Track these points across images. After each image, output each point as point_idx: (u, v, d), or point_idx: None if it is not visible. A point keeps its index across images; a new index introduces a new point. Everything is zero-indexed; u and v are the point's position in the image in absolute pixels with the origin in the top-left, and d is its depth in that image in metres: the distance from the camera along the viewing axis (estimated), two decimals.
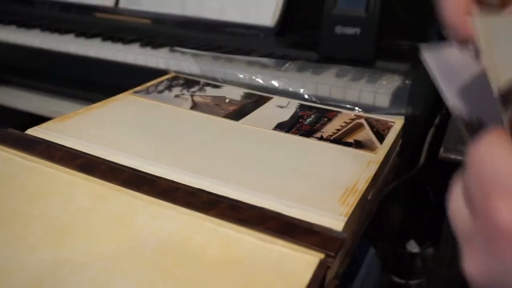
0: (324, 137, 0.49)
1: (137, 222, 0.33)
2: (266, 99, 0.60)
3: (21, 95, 0.91)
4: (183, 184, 0.37)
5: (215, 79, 0.67)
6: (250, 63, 0.69)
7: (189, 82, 0.64)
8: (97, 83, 0.82)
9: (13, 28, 0.92)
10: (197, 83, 0.65)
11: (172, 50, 0.77)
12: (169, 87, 0.62)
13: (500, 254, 0.17)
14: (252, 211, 0.34)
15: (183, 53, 0.74)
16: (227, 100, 0.59)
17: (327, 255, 0.30)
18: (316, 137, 0.49)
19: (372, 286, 0.50)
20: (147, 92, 0.59)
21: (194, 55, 0.71)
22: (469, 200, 0.18)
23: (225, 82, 0.66)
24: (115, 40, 0.83)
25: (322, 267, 0.29)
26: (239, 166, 0.41)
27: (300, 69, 0.69)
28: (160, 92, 0.60)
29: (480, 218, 0.18)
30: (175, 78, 0.66)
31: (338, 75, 0.68)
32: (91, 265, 0.29)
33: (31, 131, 0.46)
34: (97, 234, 0.32)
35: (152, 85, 0.62)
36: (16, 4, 1.07)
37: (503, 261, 0.17)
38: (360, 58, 0.75)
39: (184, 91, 0.61)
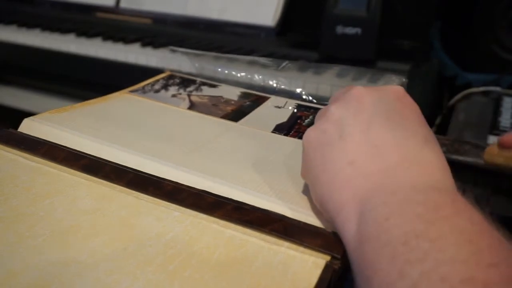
0: None
1: (143, 224, 0.33)
2: (264, 99, 0.60)
3: (22, 94, 0.91)
4: (188, 186, 0.37)
5: (216, 79, 0.66)
6: (251, 63, 0.68)
7: (185, 81, 0.64)
8: (98, 83, 0.82)
9: (13, 27, 0.92)
10: (193, 82, 0.64)
11: (173, 50, 0.77)
12: (165, 86, 0.61)
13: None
14: (257, 213, 0.34)
15: (184, 53, 0.74)
16: (224, 100, 0.58)
17: (333, 257, 0.30)
18: None
19: None
20: (143, 91, 0.59)
21: (195, 54, 0.70)
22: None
23: (227, 82, 0.65)
24: (116, 39, 0.83)
25: (328, 269, 0.29)
26: (241, 168, 0.41)
27: (301, 69, 0.69)
28: (157, 91, 0.59)
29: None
30: (170, 77, 0.66)
31: (339, 75, 0.68)
32: (97, 267, 0.29)
33: (27, 121, 0.45)
34: (102, 235, 0.32)
35: (148, 84, 0.61)
36: (17, 3, 1.07)
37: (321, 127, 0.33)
38: (361, 58, 0.75)
39: (181, 91, 0.60)
